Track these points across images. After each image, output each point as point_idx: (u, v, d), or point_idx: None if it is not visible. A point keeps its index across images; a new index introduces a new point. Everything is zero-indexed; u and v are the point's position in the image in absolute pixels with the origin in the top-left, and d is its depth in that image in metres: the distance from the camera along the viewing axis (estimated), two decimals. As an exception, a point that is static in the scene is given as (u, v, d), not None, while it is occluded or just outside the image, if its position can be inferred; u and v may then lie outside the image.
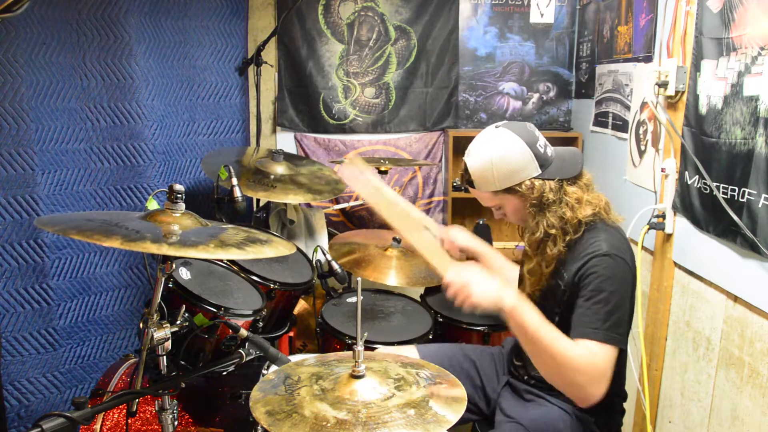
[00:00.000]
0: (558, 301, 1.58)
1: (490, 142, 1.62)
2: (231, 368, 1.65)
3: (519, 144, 1.58)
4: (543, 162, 1.59)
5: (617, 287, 1.49)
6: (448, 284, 1.54)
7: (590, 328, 1.46)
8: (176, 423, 1.52)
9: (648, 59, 2.39)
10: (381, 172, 2.87)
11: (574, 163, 1.63)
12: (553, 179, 1.58)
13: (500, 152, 1.59)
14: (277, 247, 1.45)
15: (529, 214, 1.62)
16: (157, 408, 1.49)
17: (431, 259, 1.68)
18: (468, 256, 2.03)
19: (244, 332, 1.56)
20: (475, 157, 1.63)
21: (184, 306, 1.57)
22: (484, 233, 3.27)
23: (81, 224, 1.28)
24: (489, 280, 1.52)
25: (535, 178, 1.58)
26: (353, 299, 2.49)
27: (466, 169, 1.66)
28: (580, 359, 1.44)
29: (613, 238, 1.54)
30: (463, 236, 2.02)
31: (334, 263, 2.30)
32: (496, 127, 1.63)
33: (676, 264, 2.18)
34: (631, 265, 1.53)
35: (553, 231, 1.57)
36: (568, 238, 1.57)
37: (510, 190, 1.61)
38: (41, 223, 1.38)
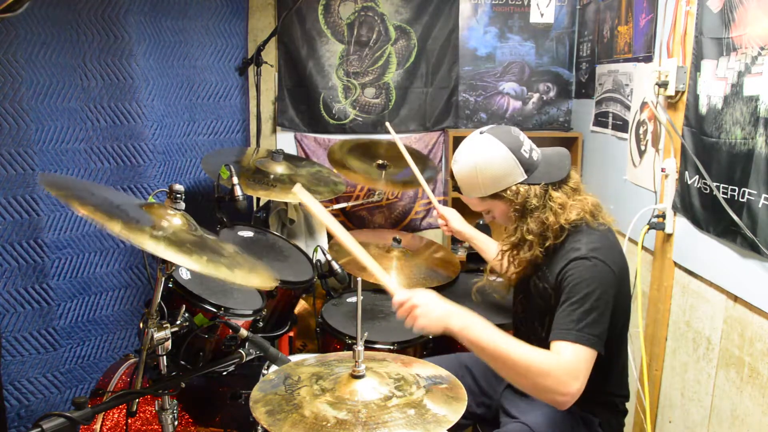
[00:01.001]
0: (546, 303, 1.59)
1: (474, 148, 1.63)
2: (231, 368, 1.65)
3: (502, 150, 1.58)
4: (528, 167, 1.60)
5: (593, 289, 1.47)
6: (396, 305, 1.52)
7: (563, 329, 1.45)
8: (176, 423, 1.52)
9: (648, 59, 2.39)
10: (381, 172, 2.87)
11: (561, 167, 1.63)
12: (538, 184, 1.59)
13: (484, 159, 1.60)
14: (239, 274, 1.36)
15: (511, 219, 1.64)
16: (157, 408, 1.49)
17: (381, 278, 1.62)
18: (462, 240, 2.18)
19: (244, 332, 1.56)
20: (460, 164, 1.65)
21: (184, 306, 1.57)
22: (484, 233, 3.27)
23: (86, 197, 1.26)
24: (437, 304, 1.49)
25: (520, 183, 1.59)
26: (353, 299, 2.49)
27: (452, 176, 1.68)
28: (545, 362, 1.41)
29: (594, 241, 1.53)
30: (456, 219, 2.15)
31: (334, 263, 2.31)
32: (481, 132, 1.64)
33: (676, 264, 2.18)
34: (612, 266, 1.50)
35: (530, 237, 1.58)
36: (547, 243, 1.57)
37: (496, 196, 1.62)
38: (44, 181, 1.35)
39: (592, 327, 1.44)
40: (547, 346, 1.62)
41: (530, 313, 1.69)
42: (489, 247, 2.15)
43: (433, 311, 1.47)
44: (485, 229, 3.28)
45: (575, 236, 1.56)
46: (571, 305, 1.46)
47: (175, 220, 1.39)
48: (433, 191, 3.47)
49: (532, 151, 1.62)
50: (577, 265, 1.49)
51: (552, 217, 1.56)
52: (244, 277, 1.34)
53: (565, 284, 1.50)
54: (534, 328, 1.68)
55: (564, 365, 1.41)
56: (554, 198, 1.58)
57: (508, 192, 1.59)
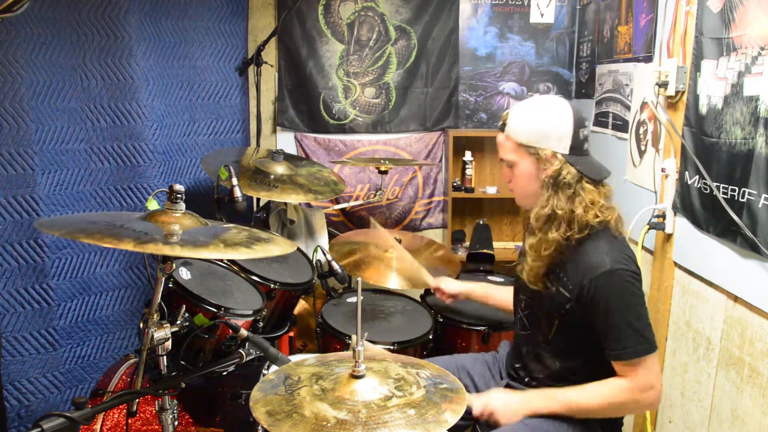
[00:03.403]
0: (558, 307, 1.58)
1: (546, 99, 1.65)
2: (231, 368, 1.65)
3: (567, 116, 1.58)
4: (575, 147, 1.59)
5: (630, 300, 1.50)
6: (477, 416, 1.64)
7: (620, 350, 1.49)
8: (176, 423, 1.52)
9: (648, 59, 2.39)
10: (381, 172, 2.87)
11: (599, 170, 1.62)
12: (573, 166, 1.58)
13: (547, 110, 1.61)
14: (280, 245, 1.45)
15: (543, 187, 1.61)
16: (157, 408, 1.49)
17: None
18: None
19: (244, 332, 1.56)
20: (526, 103, 1.66)
21: (184, 306, 1.57)
22: (484, 233, 3.27)
23: (86, 227, 1.28)
24: (509, 401, 1.62)
25: (559, 152, 1.58)
26: (353, 299, 2.49)
27: (507, 111, 1.67)
28: (623, 392, 1.51)
29: (615, 249, 1.53)
30: (451, 285, 2.19)
31: (334, 263, 2.30)
32: (562, 96, 1.68)
33: (676, 264, 2.18)
34: (635, 270, 1.53)
35: (560, 212, 1.56)
36: (570, 233, 1.56)
37: (531, 150, 1.60)
38: (42, 225, 1.38)
39: (644, 334, 1.49)
40: (554, 347, 1.64)
41: (535, 311, 1.69)
42: (492, 293, 2.12)
43: (509, 410, 1.61)
44: (485, 229, 3.29)
45: (595, 241, 1.55)
46: (616, 323, 1.49)
47: (184, 221, 1.39)
48: (433, 192, 3.47)
49: (586, 140, 1.62)
50: (606, 281, 1.49)
51: (580, 210, 1.55)
52: (265, 250, 1.37)
53: (597, 300, 1.50)
54: (540, 328, 1.67)
55: (639, 384, 1.50)
56: (587, 190, 1.57)
57: (542, 153, 1.58)
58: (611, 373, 1.55)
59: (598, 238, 1.55)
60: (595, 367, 1.55)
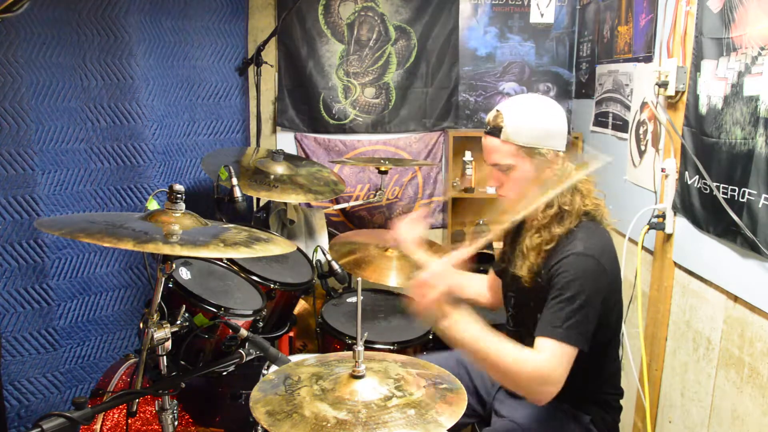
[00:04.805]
0: (540, 302, 1.55)
1: (540, 99, 1.64)
2: (231, 368, 1.65)
3: (562, 114, 1.60)
4: (568, 143, 1.62)
5: (584, 287, 1.46)
6: (419, 281, 1.51)
7: (550, 326, 1.45)
8: (176, 423, 1.53)
9: (648, 59, 2.39)
10: (381, 172, 2.87)
11: (585, 159, 1.65)
12: (571, 162, 1.60)
13: (547, 111, 1.60)
14: (280, 245, 1.46)
15: (545, 187, 1.58)
16: (157, 408, 1.49)
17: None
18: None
19: (244, 332, 1.56)
20: (517, 104, 1.61)
21: (184, 306, 1.57)
22: (484, 233, 3.27)
23: (86, 227, 1.28)
24: (445, 296, 1.49)
25: (561, 151, 1.59)
26: (353, 299, 2.49)
27: (497, 115, 1.60)
28: (526, 361, 1.43)
29: (591, 239, 1.53)
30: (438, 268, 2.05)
31: (334, 263, 2.31)
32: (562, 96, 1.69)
33: (676, 264, 2.18)
34: (605, 265, 1.51)
35: (567, 207, 1.57)
36: (570, 225, 1.56)
37: (532, 152, 1.57)
38: (42, 225, 1.38)
39: (579, 325, 1.45)
40: None
41: (523, 308, 1.68)
42: (466, 284, 2.07)
43: (436, 301, 1.48)
44: (485, 229, 3.28)
45: (576, 233, 1.55)
46: (561, 302, 1.46)
47: (184, 220, 1.40)
48: (433, 192, 3.47)
49: (569, 134, 1.65)
50: (570, 261, 1.48)
51: (579, 199, 1.57)
52: (264, 250, 1.38)
53: (557, 279, 1.48)
54: (527, 325, 1.66)
55: (545, 363, 1.42)
56: (582, 180, 1.59)
57: (546, 153, 1.57)
58: (598, 373, 1.54)
59: (580, 230, 1.56)
60: (581, 365, 1.51)
